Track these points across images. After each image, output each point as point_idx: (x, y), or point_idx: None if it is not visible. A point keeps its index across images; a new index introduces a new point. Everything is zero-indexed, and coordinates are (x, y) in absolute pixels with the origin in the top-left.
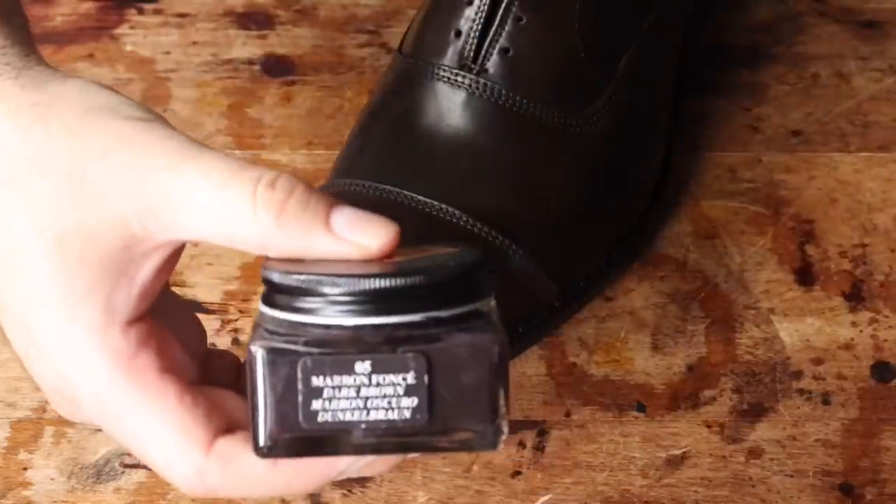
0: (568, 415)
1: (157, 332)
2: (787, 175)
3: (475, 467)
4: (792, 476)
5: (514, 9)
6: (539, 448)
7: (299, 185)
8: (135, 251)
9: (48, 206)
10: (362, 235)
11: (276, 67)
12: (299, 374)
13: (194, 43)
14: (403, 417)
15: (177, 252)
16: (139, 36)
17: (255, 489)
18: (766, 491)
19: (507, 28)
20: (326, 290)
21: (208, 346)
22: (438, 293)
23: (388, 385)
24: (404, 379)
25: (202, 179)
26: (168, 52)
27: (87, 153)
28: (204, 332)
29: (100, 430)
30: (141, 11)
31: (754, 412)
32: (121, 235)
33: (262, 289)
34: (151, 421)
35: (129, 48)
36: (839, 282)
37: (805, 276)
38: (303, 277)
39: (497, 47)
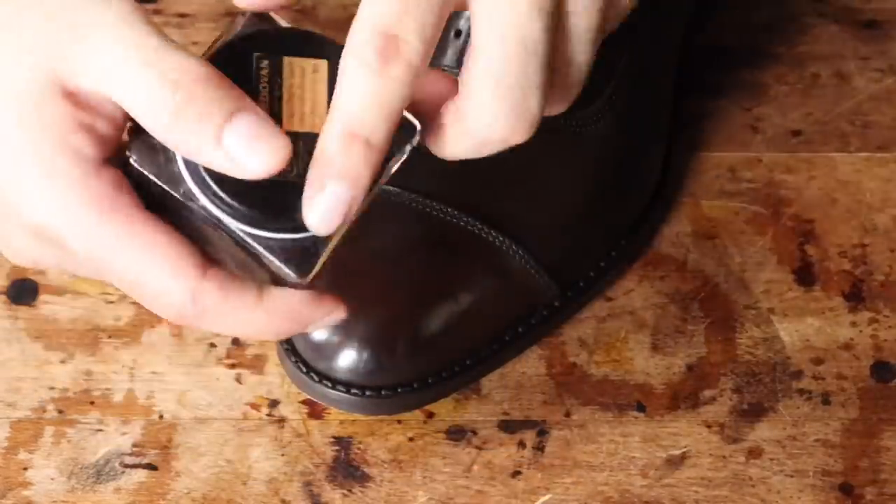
0: (568, 415)
1: (123, 176)
2: (787, 175)
3: (475, 467)
4: (792, 476)
5: None
6: (539, 448)
7: (199, 86)
8: (79, 103)
9: (5, 76)
10: (251, 159)
11: None
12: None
13: (194, 43)
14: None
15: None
16: None
17: (242, 321)
18: (766, 491)
19: None
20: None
21: None
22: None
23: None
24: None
25: (122, 55)
26: None
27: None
28: None
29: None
30: None
31: (754, 412)
32: (61, 92)
33: None
34: (144, 253)
35: None
36: (839, 282)
37: (805, 276)
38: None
39: None
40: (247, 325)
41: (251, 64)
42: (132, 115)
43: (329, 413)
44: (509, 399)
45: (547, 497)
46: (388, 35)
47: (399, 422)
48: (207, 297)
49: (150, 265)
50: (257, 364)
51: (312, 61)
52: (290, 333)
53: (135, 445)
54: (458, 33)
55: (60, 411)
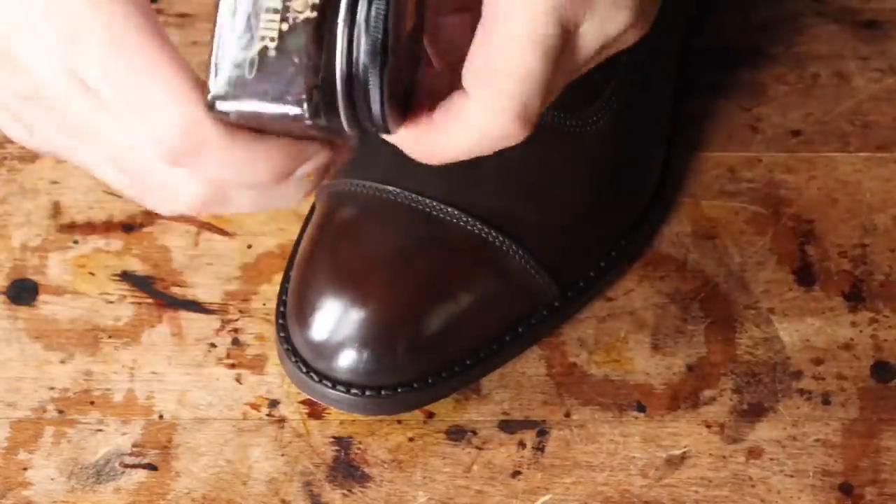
0: (568, 415)
1: None
2: (787, 175)
3: (475, 467)
4: (792, 476)
5: None
6: (539, 448)
7: None
8: None
9: None
10: None
11: None
12: None
13: (194, 43)
14: None
15: None
16: None
17: (239, 158)
18: (766, 491)
19: None
20: None
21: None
22: None
23: None
24: None
25: None
26: None
27: None
28: None
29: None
30: None
31: (754, 412)
32: None
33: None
34: (161, 63)
35: None
36: (839, 282)
37: (805, 276)
38: None
39: None
40: (243, 165)
41: None
42: None
43: (329, 413)
44: (509, 399)
45: (547, 497)
46: None
47: (399, 422)
48: (207, 126)
49: (162, 78)
50: (257, 364)
51: None
52: (281, 170)
53: (135, 445)
54: None
55: (60, 411)
